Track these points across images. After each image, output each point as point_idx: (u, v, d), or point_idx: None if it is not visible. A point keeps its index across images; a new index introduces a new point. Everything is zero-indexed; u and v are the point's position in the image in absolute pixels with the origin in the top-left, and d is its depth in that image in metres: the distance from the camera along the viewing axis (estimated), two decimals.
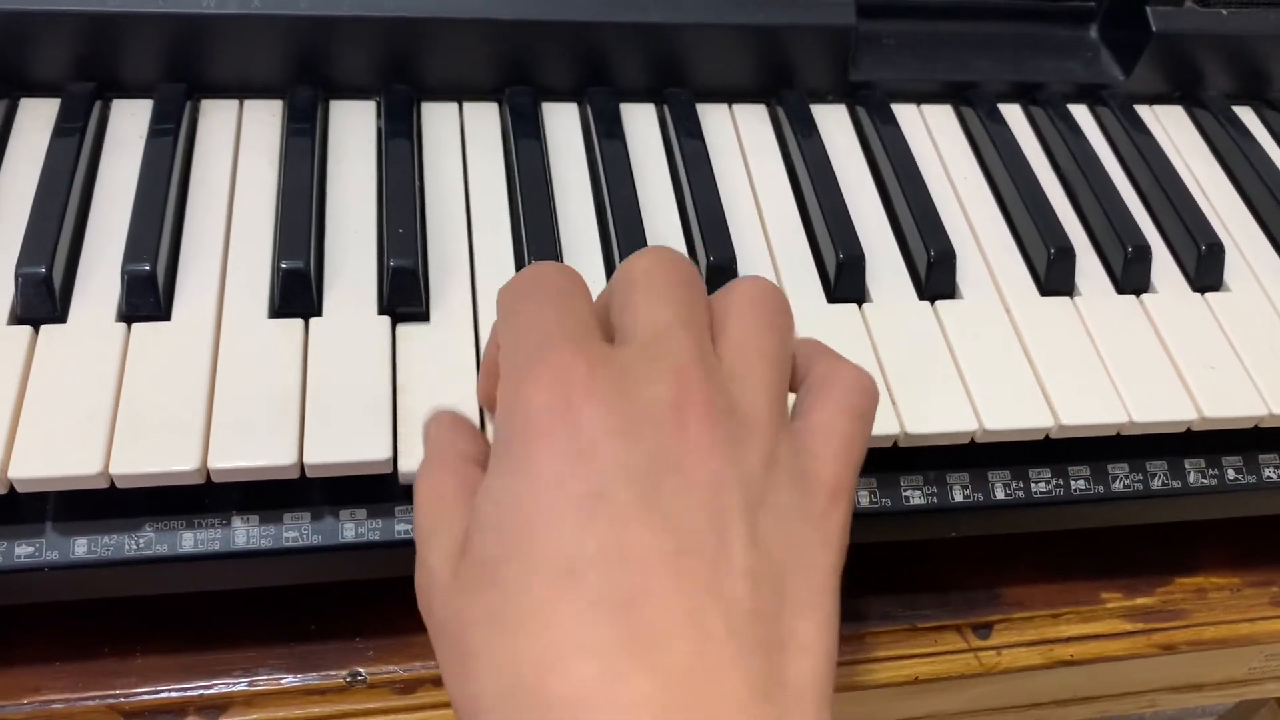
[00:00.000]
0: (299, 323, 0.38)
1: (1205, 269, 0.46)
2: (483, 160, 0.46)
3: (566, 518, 0.24)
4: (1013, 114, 0.53)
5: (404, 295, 0.40)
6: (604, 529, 0.24)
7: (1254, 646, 0.48)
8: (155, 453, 0.34)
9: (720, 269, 0.42)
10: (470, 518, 0.27)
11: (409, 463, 0.35)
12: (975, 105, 0.52)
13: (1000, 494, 0.41)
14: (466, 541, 0.26)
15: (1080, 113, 0.53)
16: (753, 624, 0.24)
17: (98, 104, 0.45)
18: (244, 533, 0.36)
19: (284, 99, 0.46)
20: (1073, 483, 0.42)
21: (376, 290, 0.40)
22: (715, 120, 0.50)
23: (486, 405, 0.32)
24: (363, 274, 0.41)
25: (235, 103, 0.47)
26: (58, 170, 0.41)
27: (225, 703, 0.39)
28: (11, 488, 0.33)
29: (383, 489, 0.37)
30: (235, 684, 0.40)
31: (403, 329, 0.39)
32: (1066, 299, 0.44)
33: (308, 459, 0.35)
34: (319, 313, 0.39)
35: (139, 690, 0.39)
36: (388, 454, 0.35)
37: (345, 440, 0.35)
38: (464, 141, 0.47)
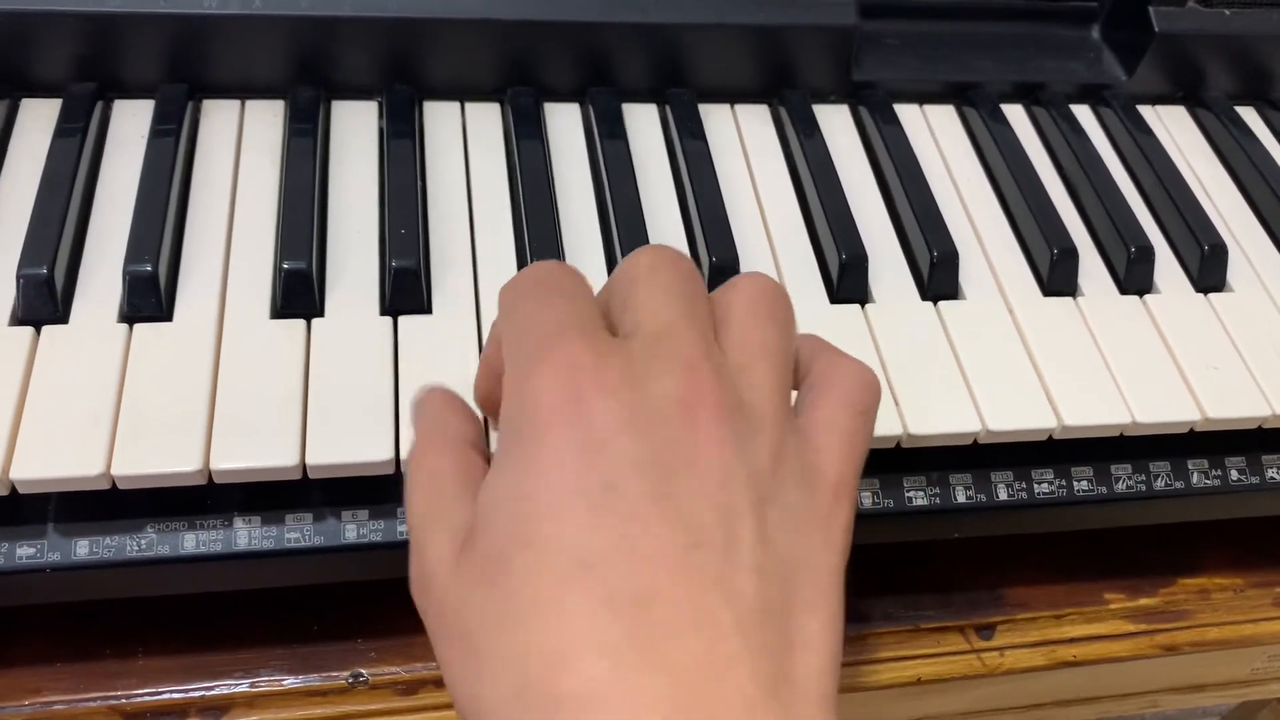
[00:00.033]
0: (301, 323, 0.38)
1: (1208, 269, 0.46)
2: (485, 160, 0.46)
3: (577, 512, 0.24)
4: (1015, 114, 0.52)
5: (406, 296, 0.40)
6: (615, 523, 0.24)
7: (1257, 647, 0.48)
8: (157, 454, 0.34)
9: (722, 269, 0.42)
10: (474, 510, 0.26)
11: None
12: (978, 105, 0.52)
13: (1003, 495, 0.41)
14: (470, 534, 0.26)
15: (1083, 113, 0.53)
16: (761, 621, 0.24)
17: (99, 104, 0.45)
18: (246, 534, 0.36)
19: (286, 99, 0.46)
20: (1076, 483, 0.42)
21: (378, 291, 0.40)
22: (717, 120, 0.50)
23: (484, 405, 0.32)
24: (365, 274, 0.41)
25: (237, 103, 0.46)
26: (59, 171, 0.41)
27: (227, 704, 0.39)
28: (13, 489, 0.33)
29: (385, 490, 0.37)
30: (237, 685, 0.40)
31: (405, 330, 0.39)
32: (1069, 299, 0.44)
33: (310, 460, 0.35)
34: (321, 313, 0.39)
35: (140, 691, 0.39)
36: (390, 455, 0.35)
37: (347, 441, 0.35)
38: (466, 142, 0.47)
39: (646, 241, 0.43)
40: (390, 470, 0.35)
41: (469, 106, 0.48)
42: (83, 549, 0.35)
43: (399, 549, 0.36)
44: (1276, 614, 0.47)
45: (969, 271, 0.45)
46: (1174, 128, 0.54)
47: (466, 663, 0.25)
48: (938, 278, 0.44)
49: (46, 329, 0.37)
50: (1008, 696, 0.48)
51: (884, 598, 0.45)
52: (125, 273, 0.38)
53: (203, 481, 0.34)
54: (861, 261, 0.43)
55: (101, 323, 0.38)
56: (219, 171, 0.44)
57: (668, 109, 0.49)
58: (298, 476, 0.35)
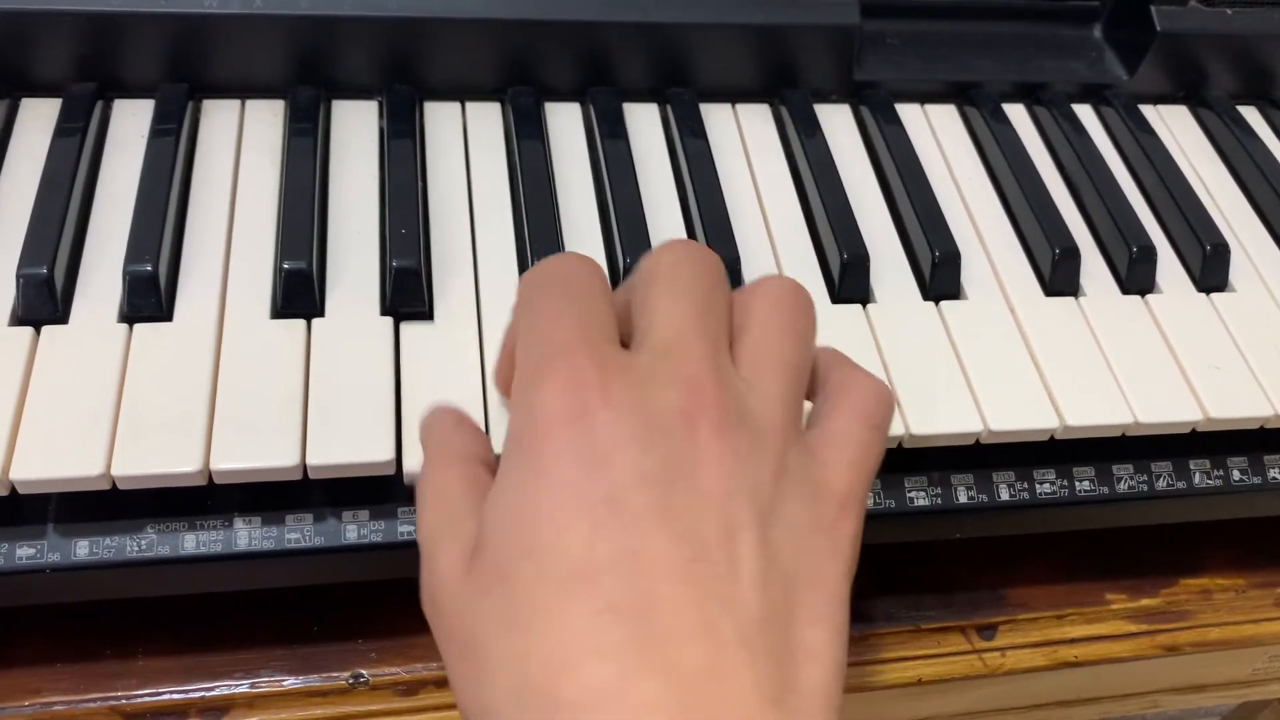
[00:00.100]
0: (301, 323, 0.38)
1: (1210, 269, 0.46)
2: (485, 160, 0.46)
3: (579, 522, 0.24)
4: (1017, 114, 0.52)
5: (406, 296, 0.39)
6: (616, 534, 0.24)
7: (1258, 648, 0.48)
8: (157, 454, 0.34)
9: None
10: (481, 519, 0.27)
11: (412, 464, 0.35)
12: (979, 105, 0.52)
13: (1005, 495, 0.41)
14: (478, 543, 0.26)
15: (1084, 113, 0.53)
16: (763, 632, 0.24)
17: (99, 104, 0.45)
18: (246, 534, 0.36)
19: (286, 99, 0.46)
20: (1077, 484, 0.41)
21: (379, 291, 0.40)
22: (718, 120, 0.50)
23: (504, 391, 0.33)
24: (365, 274, 0.40)
25: (237, 103, 0.46)
26: (59, 171, 0.41)
27: (227, 704, 0.39)
28: (13, 489, 0.33)
29: (385, 490, 0.37)
30: (237, 686, 0.40)
31: (406, 330, 0.39)
32: (1071, 299, 0.44)
33: (310, 460, 0.35)
34: (321, 313, 0.39)
35: (140, 692, 0.39)
36: (390, 455, 0.35)
37: (348, 441, 0.35)
38: (466, 141, 0.47)
39: (648, 241, 0.43)
40: (391, 470, 0.35)
41: (469, 106, 0.48)
42: (83, 549, 0.35)
43: (399, 549, 0.36)
44: (1278, 614, 0.47)
45: (971, 271, 0.45)
46: (1176, 127, 0.54)
47: (471, 667, 0.25)
48: (939, 278, 0.44)
49: (46, 329, 0.37)
50: (1009, 697, 0.48)
51: (885, 598, 0.45)
52: (125, 272, 0.38)
53: (203, 482, 0.34)
54: (863, 261, 0.43)
55: (101, 323, 0.38)
56: (219, 171, 0.44)
57: (669, 108, 0.49)
58: (298, 477, 0.35)
